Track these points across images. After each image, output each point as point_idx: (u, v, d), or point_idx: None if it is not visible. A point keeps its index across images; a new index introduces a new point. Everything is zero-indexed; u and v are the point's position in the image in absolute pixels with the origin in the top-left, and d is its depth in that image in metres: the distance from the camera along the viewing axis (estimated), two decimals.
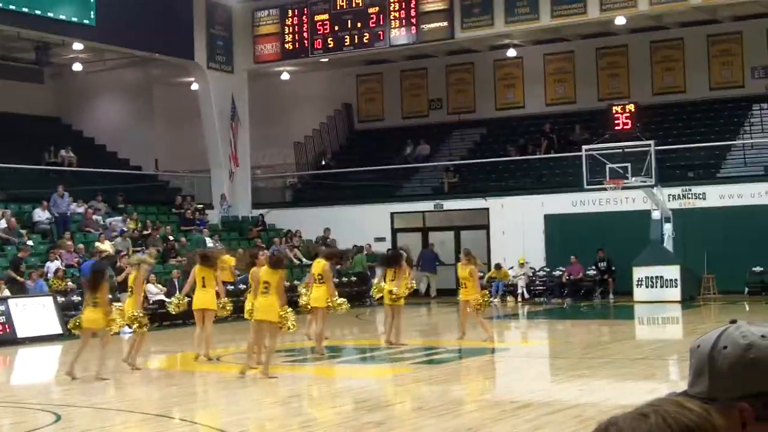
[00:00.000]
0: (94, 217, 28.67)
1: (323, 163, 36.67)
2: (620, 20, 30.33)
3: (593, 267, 29.22)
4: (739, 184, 28.49)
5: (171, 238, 29.02)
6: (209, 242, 29.19)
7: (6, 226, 25.85)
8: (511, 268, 29.92)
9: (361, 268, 30.24)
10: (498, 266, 29.21)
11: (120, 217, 29.41)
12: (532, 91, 35.73)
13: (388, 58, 36.53)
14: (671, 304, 25.98)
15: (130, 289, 15.96)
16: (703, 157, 30.41)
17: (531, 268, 30.22)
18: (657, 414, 1.52)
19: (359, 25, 32.12)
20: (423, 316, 27.09)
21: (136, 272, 15.83)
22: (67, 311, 21.89)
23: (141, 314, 15.46)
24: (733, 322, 1.78)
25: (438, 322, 25.99)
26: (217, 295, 16.39)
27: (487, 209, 31.61)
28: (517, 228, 30.61)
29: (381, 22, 31.84)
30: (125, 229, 28.58)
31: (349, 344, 20.21)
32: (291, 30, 33.31)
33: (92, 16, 28.49)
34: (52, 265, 23.60)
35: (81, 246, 26.30)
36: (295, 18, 33.23)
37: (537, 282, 30.20)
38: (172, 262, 27.06)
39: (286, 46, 33.46)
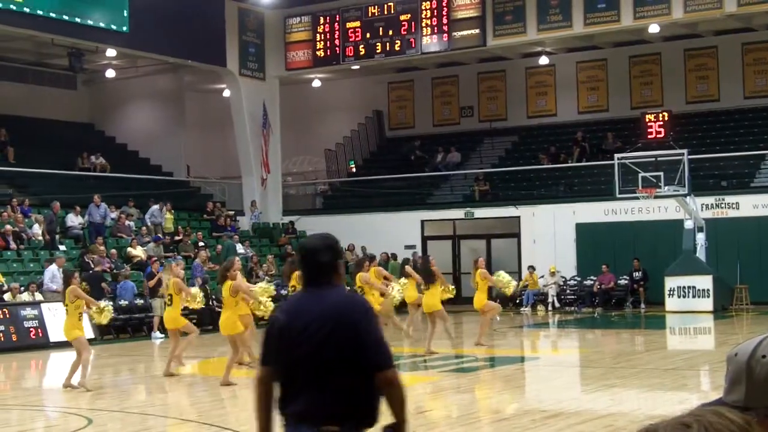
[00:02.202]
0: (127, 222, 28.86)
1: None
2: (654, 28, 30.12)
3: (626, 276, 29.02)
4: None
5: (202, 243, 29.15)
6: (240, 249, 29.32)
7: (39, 231, 26.06)
8: (542, 276, 29.81)
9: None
10: (531, 268, 29.41)
11: (158, 210, 29.56)
12: (564, 99, 35.58)
13: (420, 66, 36.53)
14: (703, 315, 25.76)
15: (168, 296, 16.34)
16: (737, 167, 30.16)
17: (562, 276, 30.08)
18: (699, 424, 1.50)
19: (391, 32, 32.14)
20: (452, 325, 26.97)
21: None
22: None
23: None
24: None
25: (468, 330, 25.89)
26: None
27: (518, 217, 31.51)
28: (549, 236, 30.49)
29: (412, 30, 31.84)
30: (160, 236, 28.75)
31: None
32: (322, 37, 33.38)
33: (125, 23, 28.70)
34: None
35: (113, 251, 26.48)
36: (327, 25, 33.30)
37: (568, 291, 30.05)
38: (205, 268, 27.14)
39: (318, 53, 33.53)
